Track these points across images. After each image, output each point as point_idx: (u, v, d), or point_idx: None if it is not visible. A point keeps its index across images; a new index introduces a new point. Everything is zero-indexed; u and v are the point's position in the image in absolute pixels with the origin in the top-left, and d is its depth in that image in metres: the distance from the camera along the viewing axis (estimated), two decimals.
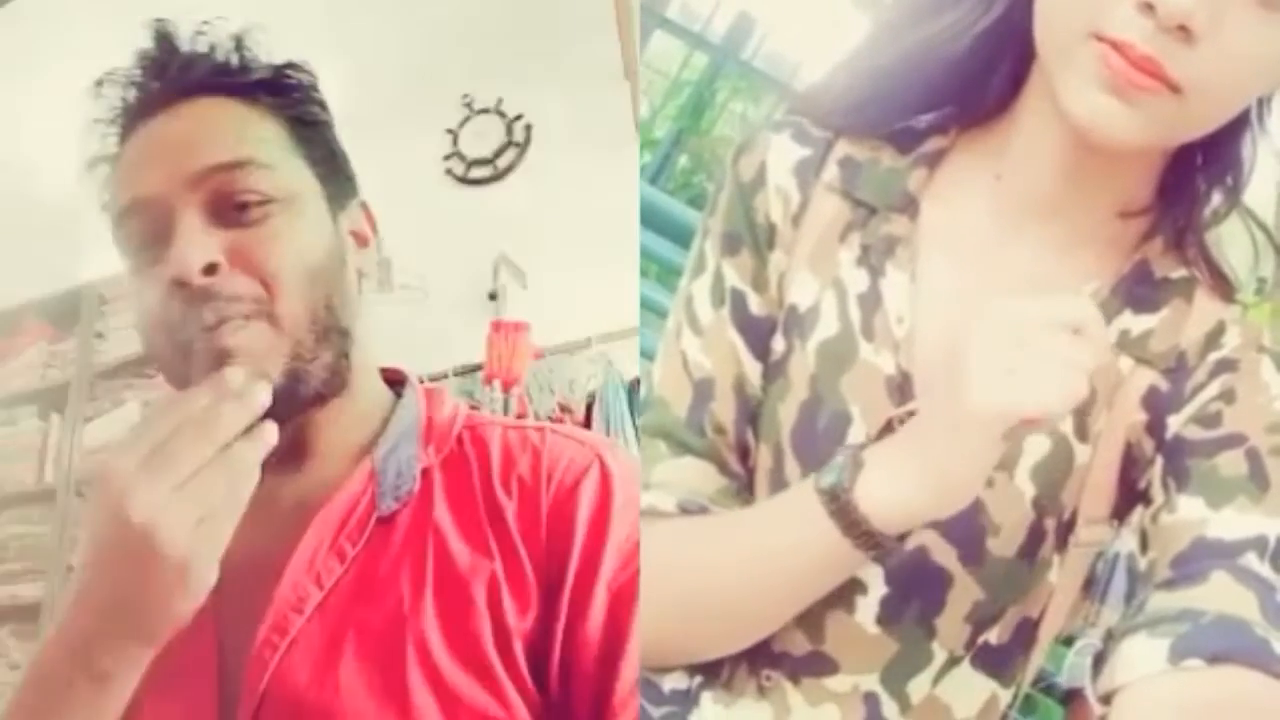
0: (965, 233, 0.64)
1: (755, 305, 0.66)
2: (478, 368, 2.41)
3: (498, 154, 2.81)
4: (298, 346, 0.62)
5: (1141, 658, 0.48)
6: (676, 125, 3.89)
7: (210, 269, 0.60)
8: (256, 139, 0.65)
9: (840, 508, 0.54)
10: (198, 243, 0.60)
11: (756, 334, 0.66)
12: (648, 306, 1.38)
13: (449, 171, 2.83)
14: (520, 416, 2.34)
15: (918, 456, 0.54)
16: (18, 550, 2.71)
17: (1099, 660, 0.52)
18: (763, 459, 0.65)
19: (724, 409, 0.65)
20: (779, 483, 0.64)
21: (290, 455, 0.65)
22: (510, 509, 0.62)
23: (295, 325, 0.62)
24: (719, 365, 0.66)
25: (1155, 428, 0.60)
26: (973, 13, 0.61)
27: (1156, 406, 0.60)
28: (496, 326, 2.40)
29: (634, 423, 2.22)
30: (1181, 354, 0.60)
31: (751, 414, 0.66)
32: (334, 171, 0.70)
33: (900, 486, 0.54)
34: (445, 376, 2.45)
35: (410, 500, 0.64)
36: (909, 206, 0.64)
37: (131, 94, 0.67)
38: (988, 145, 0.65)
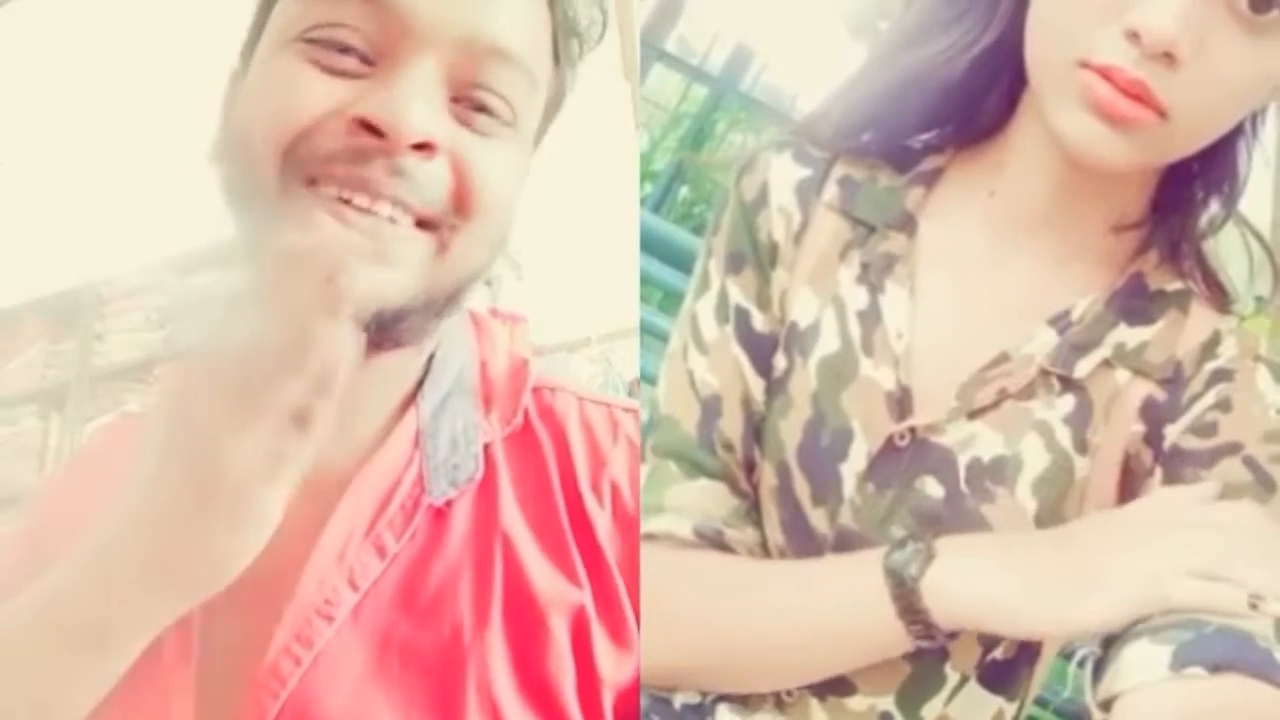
0: (962, 249, 0.65)
1: (759, 323, 0.67)
2: None
3: None
4: (432, 294, 0.50)
5: (1143, 664, 0.48)
6: (676, 157, 3.92)
7: (425, 147, 0.47)
8: (536, 46, 0.53)
9: (904, 593, 0.55)
10: (428, 105, 0.47)
11: (760, 351, 0.66)
12: (649, 331, 1.38)
13: None
14: None
15: (1000, 576, 0.54)
16: None
17: (1098, 667, 0.52)
18: (766, 477, 0.66)
19: (732, 426, 0.66)
20: (788, 501, 0.65)
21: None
22: (603, 523, 0.51)
23: (455, 268, 0.51)
24: (725, 382, 0.66)
25: (1153, 439, 0.60)
26: (969, 35, 0.62)
27: (1154, 417, 0.60)
28: (493, 315, 2.39)
29: None
30: (1178, 365, 0.61)
31: (756, 431, 0.66)
32: (544, 131, 0.59)
33: (971, 593, 0.54)
34: None
35: (471, 489, 0.52)
36: (907, 224, 0.65)
37: None
38: (983, 163, 0.66)
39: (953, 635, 0.56)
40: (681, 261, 1.13)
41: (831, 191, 0.67)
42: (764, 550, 0.65)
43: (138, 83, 2.42)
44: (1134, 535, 0.53)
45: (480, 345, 0.59)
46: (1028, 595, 0.53)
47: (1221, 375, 0.59)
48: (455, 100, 0.50)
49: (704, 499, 0.64)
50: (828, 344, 0.65)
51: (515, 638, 0.48)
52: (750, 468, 0.67)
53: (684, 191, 3.99)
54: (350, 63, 0.48)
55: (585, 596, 0.49)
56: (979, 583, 0.54)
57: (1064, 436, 0.60)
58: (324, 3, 0.49)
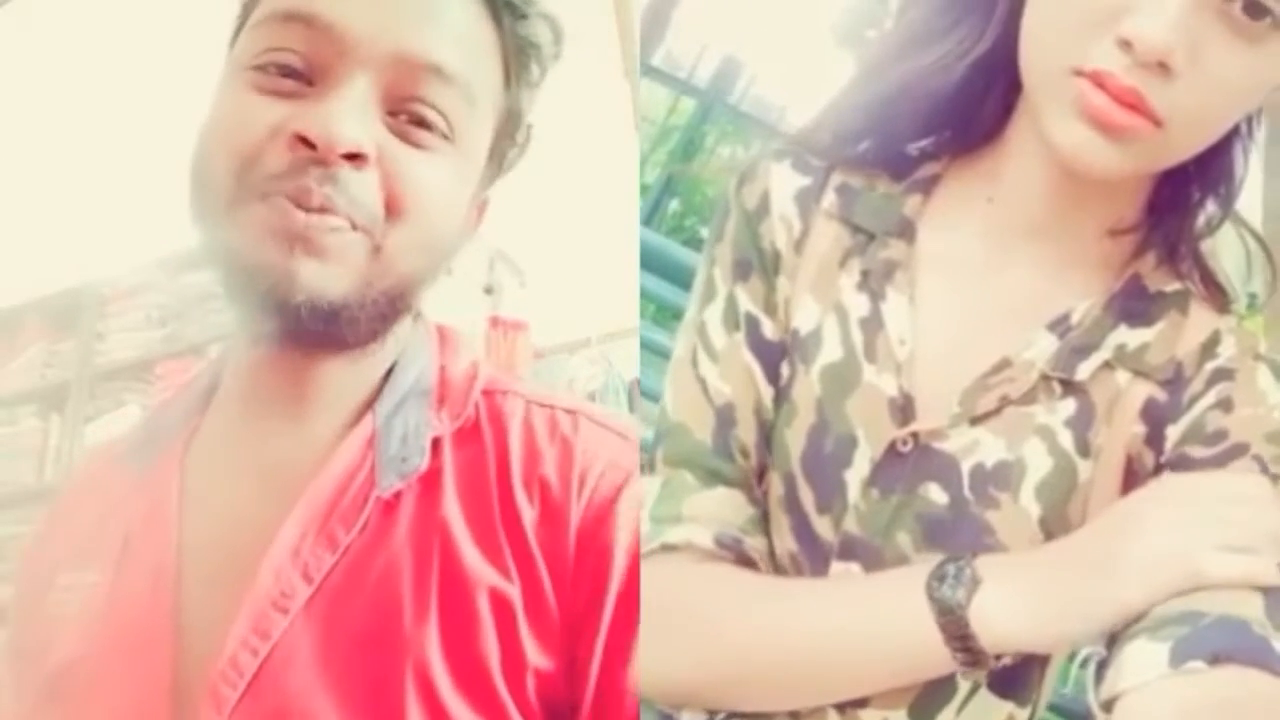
0: (961, 255, 0.65)
1: (769, 330, 0.67)
2: None
3: None
4: (369, 291, 0.53)
5: (1143, 662, 0.48)
6: (666, 171, 3.92)
7: (355, 157, 0.51)
8: (480, 63, 0.57)
9: (952, 621, 0.54)
10: (360, 119, 0.51)
11: (770, 359, 0.66)
12: (647, 347, 1.39)
13: None
14: None
15: (1043, 593, 0.53)
16: (17, 550, 2.71)
17: (1101, 668, 0.52)
18: (774, 486, 0.66)
19: (747, 434, 0.65)
20: (795, 509, 0.64)
21: (288, 402, 0.57)
22: (530, 518, 0.53)
23: (390, 269, 0.54)
24: (738, 390, 0.66)
25: (1154, 439, 0.60)
26: (964, 43, 0.62)
27: (1155, 418, 0.60)
28: (494, 323, 2.39)
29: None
30: (1178, 365, 0.61)
31: (766, 439, 0.66)
32: (509, 135, 0.62)
33: (1017, 614, 0.53)
34: None
35: (416, 480, 0.54)
36: (906, 231, 0.65)
37: None
38: (980, 170, 0.66)
39: (998, 658, 0.55)
40: (675, 274, 1.13)
41: (830, 199, 0.67)
42: (773, 559, 0.65)
43: (138, 82, 2.42)
44: (1158, 514, 0.52)
45: (441, 353, 0.61)
46: (1072, 609, 0.52)
47: (1222, 374, 0.59)
48: (392, 114, 0.53)
49: (723, 507, 0.64)
50: (830, 352, 0.65)
51: (449, 621, 0.50)
52: (761, 476, 0.66)
53: (674, 205, 4.01)
54: (291, 84, 0.52)
55: (512, 584, 0.51)
56: (1025, 605, 0.53)
57: (1066, 440, 0.60)
58: (268, 31, 0.53)
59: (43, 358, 2.87)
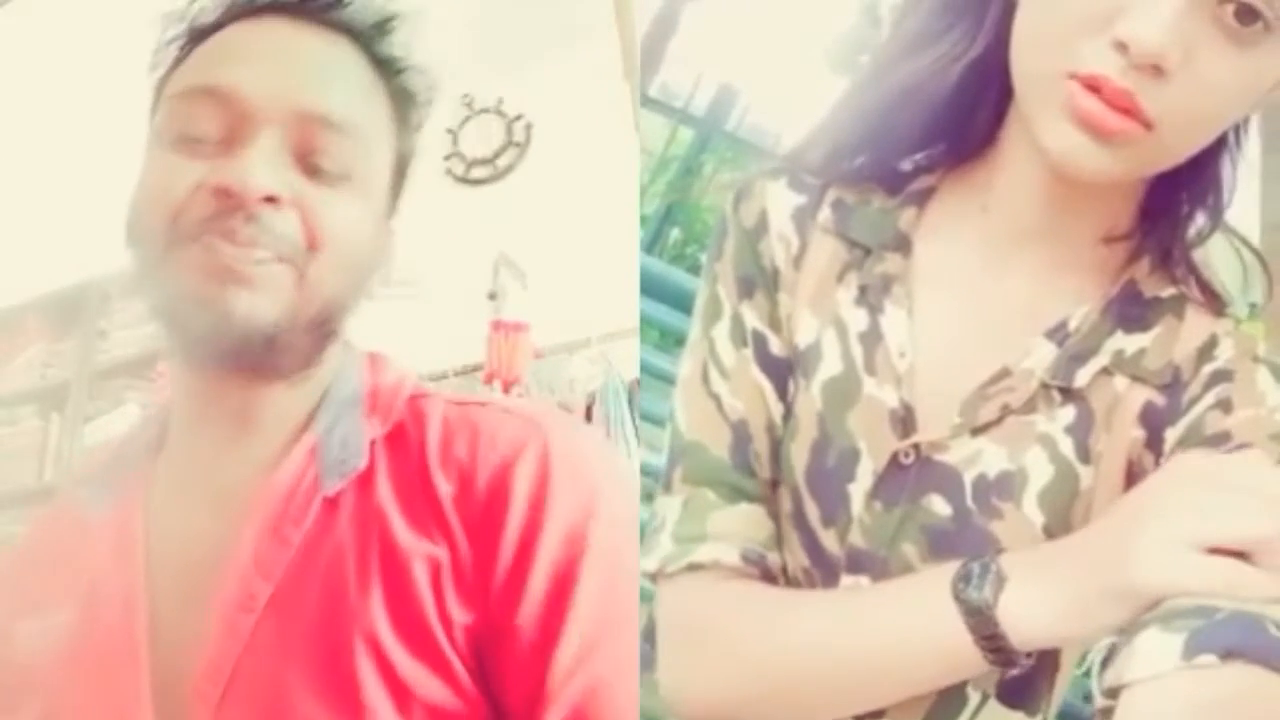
0: (957, 265, 0.65)
1: (775, 346, 0.67)
2: (478, 368, 2.41)
3: (498, 154, 2.81)
4: (298, 316, 0.60)
5: (1154, 652, 0.47)
6: (666, 200, 3.93)
7: (272, 199, 0.58)
8: (370, 113, 0.64)
9: (981, 621, 0.54)
10: (271, 167, 0.58)
11: (779, 375, 0.67)
12: (649, 371, 1.39)
13: (449, 171, 2.83)
14: None
15: (1067, 587, 0.53)
16: None
17: (1109, 655, 0.51)
18: (783, 502, 0.66)
19: (761, 449, 0.66)
20: (802, 525, 0.65)
21: (234, 425, 0.63)
22: (448, 494, 0.58)
23: (315, 295, 0.60)
24: (750, 406, 0.66)
25: (1153, 443, 0.60)
26: (958, 45, 0.62)
27: (1154, 422, 0.60)
28: (496, 326, 2.40)
29: (634, 424, 2.22)
30: (1176, 369, 0.60)
31: (776, 455, 0.66)
32: (403, 172, 0.69)
33: (1045, 610, 0.53)
34: (445, 377, 2.45)
35: (355, 477, 0.60)
36: (902, 245, 0.65)
37: None
38: (973, 179, 0.66)
39: (1029, 655, 0.55)
40: (678, 300, 1.13)
41: (826, 215, 0.67)
42: (786, 574, 0.65)
43: (138, 82, 2.41)
44: (1174, 496, 0.51)
45: (371, 372, 0.67)
46: (1099, 599, 0.51)
47: (1220, 376, 0.59)
48: (301, 161, 0.60)
49: (746, 524, 0.64)
50: (830, 366, 0.65)
51: (390, 589, 0.56)
52: (774, 491, 0.67)
53: (675, 233, 4.02)
54: (208, 147, 0.59)
55: (441, 553, 0.57)
56: (1052, 600, 0.52)
57: (1067, 447, 0.60)
58: (183, 103, 0.61)
59: (43, 357, 2.87)
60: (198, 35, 0.64)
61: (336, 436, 0.62)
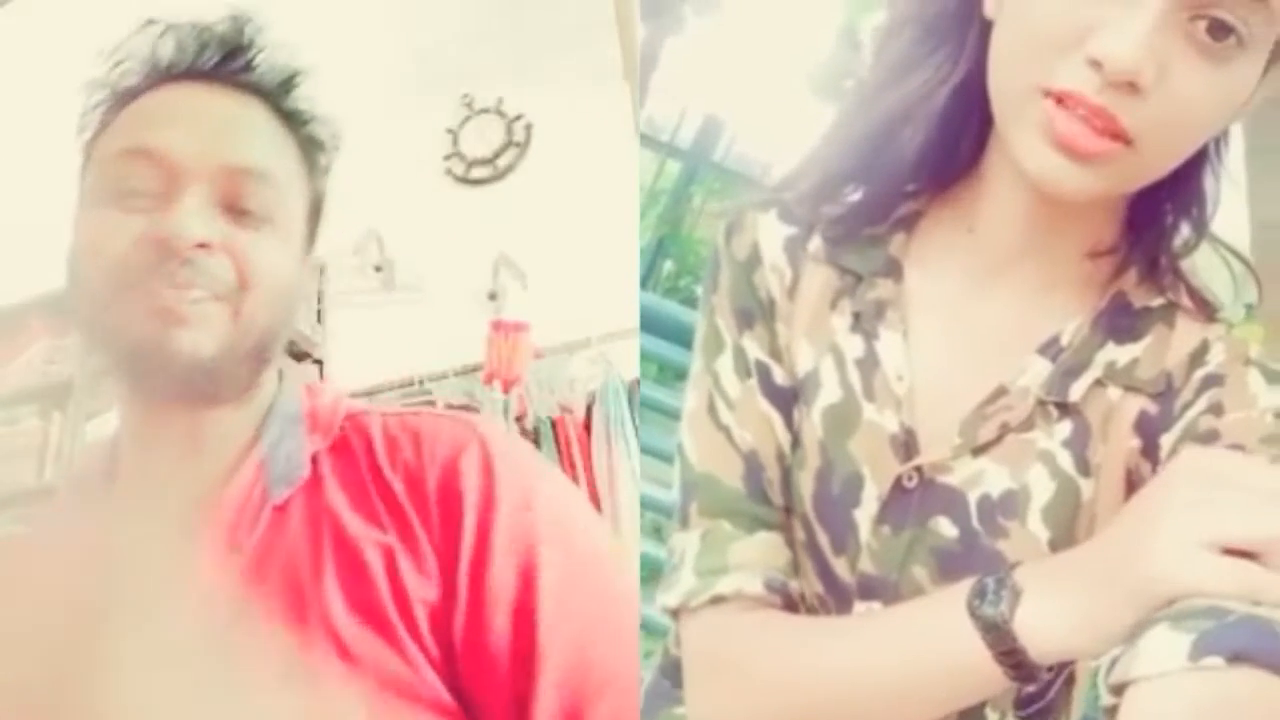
0: (948, 287, 0.65)
1: (778, 376, 0.67)
2: (478, 368, 2.41)
3: (498, 154, 2.81)
4: (236, 348, 0.65)
5: (1162, 651, 0.47)
6: (657, 234, 3.93)
7: (204, 245, 0.64)
8: (283, 162, 0.70)
9: (999, 637, 0.53)
10: (201, 218, 0.64)
11: (785, 404, 0.67)
12: (649, 405, 1.39)
13: (449, 171, 2.83)
14: (520, 417, 2.34)
15: (1083, 595, 0.52)
16: None
17: (1118, 653, 0.51)
18: (796, 531, 0.66)
19: (775, 478, 0.66)
20: (815, 553, 0.65)
21: (184, 448, 0.67)
22: (400, 487, 0.64)
23: (250, 328, 0.66)
24: (759, 437, 0.66)
25: (1150, 451, 0.60)
26: (943, 69, 0.62)
27: (1149, 430, 0.60)
28: (496, 326, 2.40)
29: (634, 424, 2.22)
30: (1168, 377, 0.61)
31: (787, 484, 0.66)
32: (318, 212, 0.75)
33: (1062, 621, 0.52)
34: (445, 376, 2.45)
35: (302, 485, 0.66)
36: (893, 270, 0.66)
37: (170, 51, 0.70)
38: (959, 202, 0.66)
39: (1050, 669, 0.54)
40: (675, 334, 1.14)
41: (816, 244, 0.67)
42: (804, 601, 0.65)
43: None
44: (1180, 494, 0.51)
45: (309, 396, 0.73)
46: (1115, 606, 0.50)
47: (1212, 381, 0.59)
48: (227, 209, 0.66)
49: (766, 551, 0.64)
50: (829, 394, 0.65)
51: (343, 573, 0.61)
52: (789, 519, 0.67)
53: (669, 266, 4.03)
54: (144, 201, 0.65)
55: (392, 537, 0.62)
56: (1069, 611, 0.52)
57: (1066, 461, 0.61)
58: (115, 164, 0.66)
59: (45, 355, 2.86)
60: (121, 99, 0.70)
61: (282, 451, 0.68)
